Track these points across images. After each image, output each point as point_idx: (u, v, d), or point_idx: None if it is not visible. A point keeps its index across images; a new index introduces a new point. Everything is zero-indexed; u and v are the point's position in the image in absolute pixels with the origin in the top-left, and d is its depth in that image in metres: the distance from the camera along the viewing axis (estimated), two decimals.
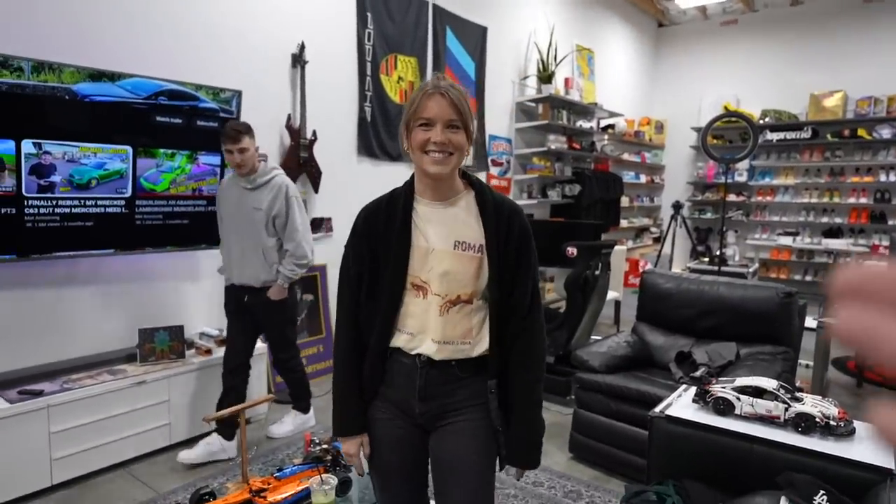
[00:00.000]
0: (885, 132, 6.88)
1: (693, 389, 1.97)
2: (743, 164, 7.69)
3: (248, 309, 2.81)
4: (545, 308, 4.75)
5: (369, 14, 4.27)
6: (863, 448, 1.59)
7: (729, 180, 7.35)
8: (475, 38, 5.31)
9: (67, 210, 2.66)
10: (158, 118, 2.88)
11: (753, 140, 4.79)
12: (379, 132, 4.40)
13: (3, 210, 2.46)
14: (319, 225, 3.87)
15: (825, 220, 7.41)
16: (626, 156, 7.55)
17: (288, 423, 3.08)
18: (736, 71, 8.01)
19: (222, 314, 3.54)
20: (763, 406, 1.76)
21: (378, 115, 4.39)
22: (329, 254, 3.95)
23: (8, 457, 2.33)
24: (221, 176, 3.24)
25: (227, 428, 2.78)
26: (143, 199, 2.91)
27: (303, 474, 1.93)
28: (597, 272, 3.79)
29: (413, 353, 1.28)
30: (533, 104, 6.05)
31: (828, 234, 7.34)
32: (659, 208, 8.85)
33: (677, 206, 6.31)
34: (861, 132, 7.00)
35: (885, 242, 6.88)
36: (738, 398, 1.79)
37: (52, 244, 2.65)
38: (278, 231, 2.75)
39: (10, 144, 2.43)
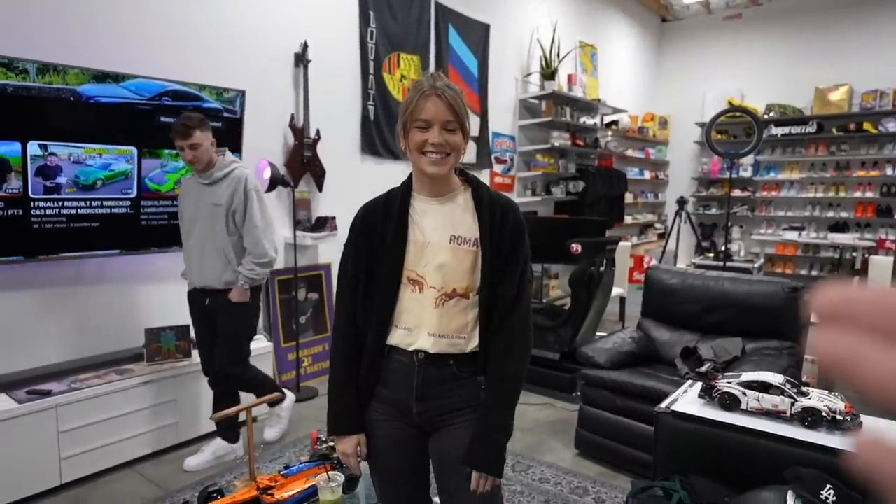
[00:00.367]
0: (892, 125, 6.84)
1: (699, 385, 1.97)
2: (748, 159, 7.66)
3: (210, 313, 2.63)
4: (550, 305, 4.76)
5: (371, 12, 4.27)
6: None
7: (734, 175, 7.32)
8: (478, 35, 5.31)
9: (73, 211, 2.67)
10: (163, 119, 2.89)
11: (758, 135, 4.77)
12: (382, 130, 4.40)
13: (10, 212, 2.48)
14: (324, 224, 3.88)
15: (831, 214, 7.38)
16: (629, 152, 7.54)
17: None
18: (740, 65, 7.97)
19: None
20: (769, 401, 1.76)
21: (381, 114, 4.40)
22: (334, 252, 3.96)
23: (18, 456, 2.35)
24: None
25: (229, 431, 2.76)
26: (148, 200, 2.92)
27: (310, 472, 1.93)
28: (601, 269, 3.78)
29: (410, 349, 1.28)
30: (536, 101, 6.04)
31: (834, 228, 7.31)
32: (663, 204, 8.83)
33: (682, 202, 6.30)
34: (867, 126, 6.97)
35: (892, 237, 6.84)
36: (744, 393, 1.79)
37: (59, 245, 2.66)
38: (238, 227, 2.57)
39: (17, 146, 2.45)
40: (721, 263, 5.14)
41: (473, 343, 1.30)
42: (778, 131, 7.47)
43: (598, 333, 3.89)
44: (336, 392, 1.36)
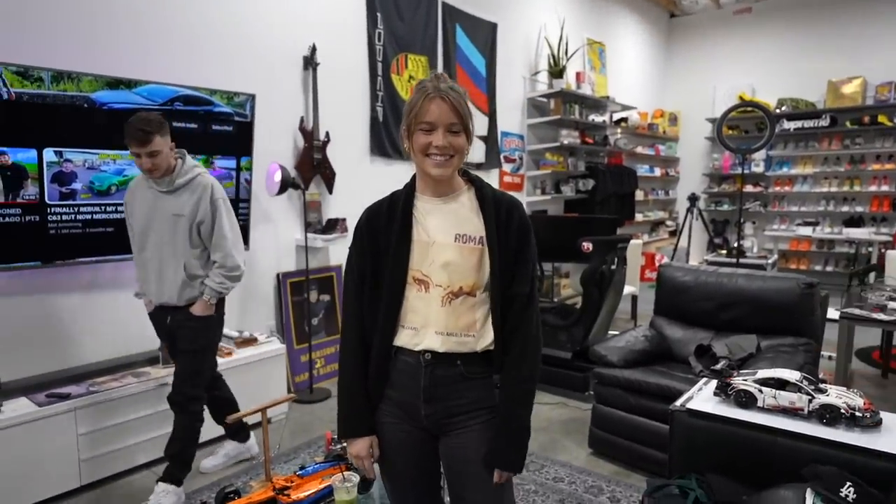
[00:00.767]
0: None
1: (714, 383, 1.95)
2: (760, 155, 7.59)
3: (172, 332, 2.42)
4: (561, 304, 4.75)
5: (379, 14, 4.28)
6: (890, 439, 1.57)
7: (746, 171, 7.26)
8: (485, 34, 5.30)
9: (89, 216, 2.71)
10: (175, 124, 2.92)
11: (770, 129, 4.72)
12: (391, 131, 4.41)
13: (27, 218, 2.51)
14: (334, 226, 3.90)
15: (845, 209, 7.30)
16: (639, 149, 7.50)
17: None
18: (751, 60, 7.90)
19: (242, 316, 3.60)
20: (786, 398, 1.74)
21: (390, 115, 4.41)
22: (345, 254, 3.96)
23: (38, 458, 2.38)
24: (237, 180, 3.27)
25: (239, 432, 2.76)
26: None
27: (325, 472, 1.95)
28: (613, 267, 3.77)
29: (417, 349, 1.28)
30: (544, 99, 6.03)
31: (849, 223, 7.22)
32: (674, 201, 8.77)
33: (693, 199, 6.26)
34: (881, 118, 6.88)
35: None
36: (761, 390, 1.77)
37: (75, 250, 2.70)
38: (204, 240, 2.35)
39: (32, 153, 2.48)
40: (734, 260, 5.10)
41: (483, 342, 1.30)
42: (790, 126, 7.40)
43: (610, 332, 3.87)
44: (345, 394, 1.36)
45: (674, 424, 1.87)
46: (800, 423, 1.68)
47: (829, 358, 3.88)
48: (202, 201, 2.30)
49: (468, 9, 5.08)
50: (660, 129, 8.04)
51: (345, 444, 2.07)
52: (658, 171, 8.08)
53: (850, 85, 7.07)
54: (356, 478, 1.67)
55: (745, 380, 1.82)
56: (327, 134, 3.91)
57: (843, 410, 1.66)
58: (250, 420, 2.67)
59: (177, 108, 2.92)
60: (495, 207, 1.31)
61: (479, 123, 5.25)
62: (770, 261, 5.71)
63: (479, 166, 5.21)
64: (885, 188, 7.00)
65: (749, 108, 6.02)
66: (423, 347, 1.28)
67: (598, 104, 6.53)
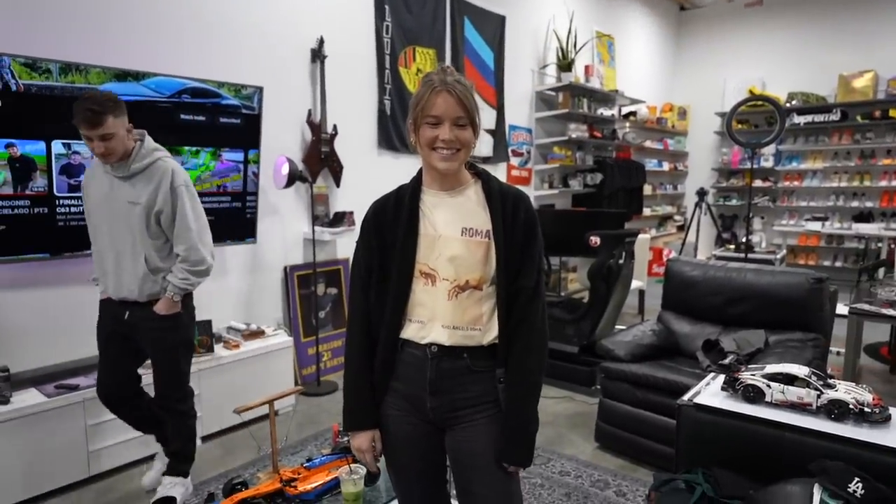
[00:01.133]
0: None
1: (721, 377, 1.94)
2: (769, 149, 7.53)
3: (129, 329, 2.23)
4: (568, 298, 4.73)
5: (387, 6, 4.26)
6: None
7: (755, 166, 7.21)
8: (493, 27, 5.28)
9: None
10: (182, 116, 2.92)
11: (780, 123, 4.68)
12: (398, 125, 4.40)
13: (36, 210, 2.53)
14: (342, 219, 3.90)
15: (855, 204, 7.23)
16: (648, 143, 7.45)
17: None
18: (761, 53, 7.83)
19: (250, 308, 3.61)
20: (794, 393, 1.73)
21: (397, 108, 4.40)
22: (352, 247, 3.97)
23: (47, 449, 2.40)
24: (245, 173, 3.28)
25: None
26: None
27: (332, 464, 1.95)
28: (620, 261, 3.75)
29: (423, 342, 1.29)
30: (553, 93, 6.00)
31: (858, 218, 7.16)
32: (683, 196, 8.72)
33: (702, 193, 6.22)
34: (893, 113, 6.80)
35: None
36: (769, 385, 1.76)
37: (83, 242, 2.70)
38: (165, 230, 2.17)
39: (41, 145, 2.50)
40: (742, 255, 5.06)
41: (489, 336, 1.30)
42: (800, 120, 7.33)
43: (617, 326, 3.86)
44: (350, 387, 1.36)
45: (681, 419, 1.86)
46: (808, 418, 1.67)
47: (838, 353, 3.85)
48: (161, 188, 2.11)
49: (477, 1, 5.05)
50: (669, 123, 7.99)
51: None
52: (666, 166, 8.03)
53: (861, 79, 6.99)
54: (363, 470, 1.68)
55: (753, 375, 1.82)
56: (335, 127, 3.90)
57: (851, 406, 1.64)
58: (258, 412, 2.68)
59: (184, 101, 2.92)
60: (502, 201, 1.30)
61: (487, 117, 5.23)
62: (778, 256, 5.68)
63: (486, 160, 5.20)
64: (895, 183, 6.92)
65: (759, 102, 5.96)
66: (429, 340, 1.28)
67: (607, 98, 6.49)
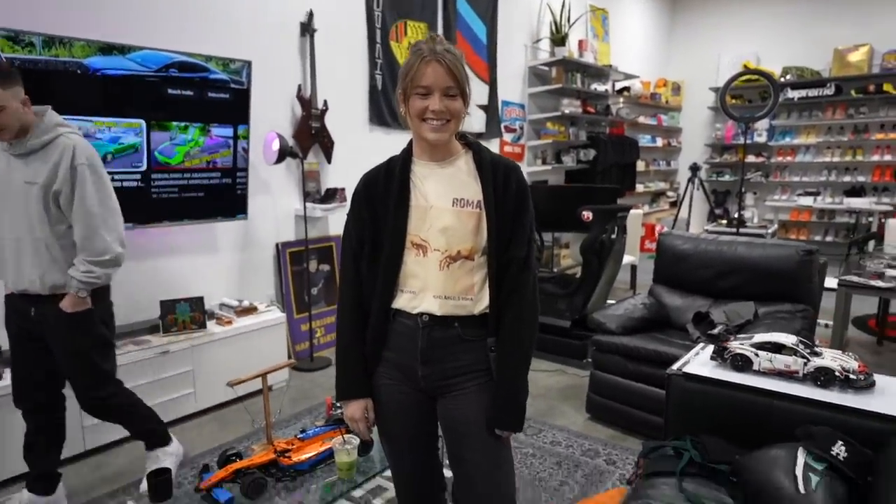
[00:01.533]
0: None
1: (710, 347, 1.97)
2: (762, 124, 7.51)
3: (35, 327, 1.98)
4: (561, 274, 4.75)
5: None
6: (883, 400, 1.58)
7: (748, 141, 7.20)
8: (486, 1, 5.20)
9: None
10: (170, 90, 2.88)
11: (774, 98, 4.66)
12: (390, 100, 4.36)
13: None
14: (333, 195, 3.88)
15: (847, 178, 7.25)
16: (641, 119, 7.42)
17: (166, 458, 2.29)
18: (756, 28, 7.76)
19: (242, 285, 3.61)
20: (782, 361, 1.75)
21: (388, 83, 4.35)
22: (343, 224, 3.96)
23: None
24: (235, 149, 3.25)
25: (41, 482, 2.13)
26: (158, 173, 2.93)
27: (325, 435, 1.97)
28: (613, 236, 3.76)
29: (415, 312, 1.29)
30: (546, 68, 5.94)
31: (850, 193, 7.19)
32: (676, 171, 8.71)
33: (695, 169, 6.21)
34: (887, 87, 6.79)
35: None
36: (757, 354, 1.79)
37: None
38: (65, 213, 1.92)
39: None
40: (734, 230, 5.09)
41: (481, 305, 1.30)
42: (794, 94, 7.31)
43: (608, 301, 3.88)
44: (342, 358, 1.37)
45: (670, 388, 1.89)
46: (795, 385, 1.70)
47: (826, 325, 3.90)
48: (60, 166, 1.87)
49: None
50: (662, 98, 7.94)
51: None
52: (660, 142, 8.01)
53: (856, 53, 6.96)
54: (356, 440, 1.70)
55: (742, 344, 1.84)
56: (325, 102, 3.86)
57: (837, 373, 1.67)
58: (251, 387, 2.70)
59: (172, 75, 2.88)
60: (493, 171, 1.30)
61: (479, 92, 5.18)
62: (770, 230, 5.70)
63: (479, 136, 5.16)
64: (888, 158, 6.94)
65: (753, 77, 5.93)
66: (421, 310, 1.29)
67: (601, 73, 6.43)
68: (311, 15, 3.74)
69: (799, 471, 1.39)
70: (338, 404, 2.19)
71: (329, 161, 3.98)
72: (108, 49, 2.63)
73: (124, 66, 2.70)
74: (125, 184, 2.82)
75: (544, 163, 6.06)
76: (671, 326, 2.98)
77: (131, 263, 3.05)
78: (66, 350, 1.99)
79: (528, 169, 5.89)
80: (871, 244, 4.42)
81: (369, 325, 1.34)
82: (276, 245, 3.79)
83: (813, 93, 7.20)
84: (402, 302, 1.31)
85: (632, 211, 4.56)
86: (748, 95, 7.79)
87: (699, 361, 1.93)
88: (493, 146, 5.44)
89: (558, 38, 5.79)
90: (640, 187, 7.49)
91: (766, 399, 1.70)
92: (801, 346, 1.75)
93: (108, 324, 2.09)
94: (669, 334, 2.85)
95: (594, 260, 3.72)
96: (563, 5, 5.85)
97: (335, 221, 4.10)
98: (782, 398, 1.67)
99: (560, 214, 4.06)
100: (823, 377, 1.68)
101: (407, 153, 1.34)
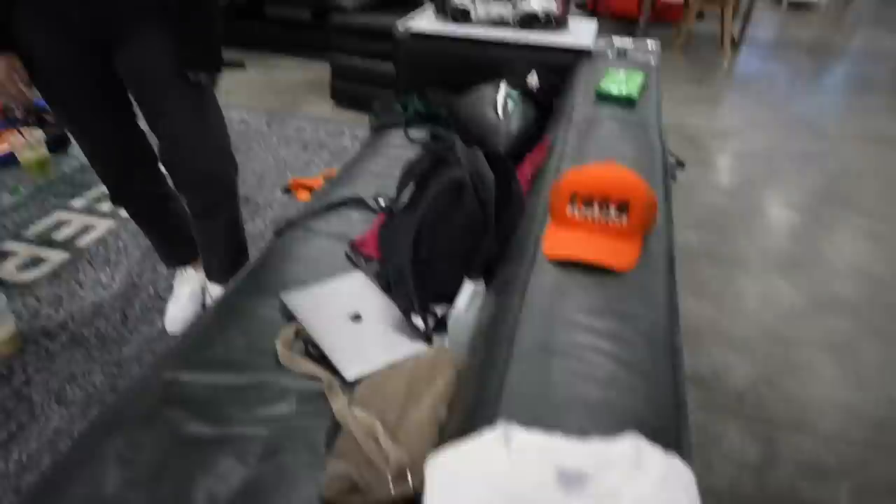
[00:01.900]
0: None
1: (434, 5, 1.95)
2: None
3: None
4: None
5: None
6: (571, 37, 1.78)
7: None
8: None
9: None
10: None
11: None
12: None
13: None
14: None
15: None
16: None
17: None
18: None
19: None
20: (495, 10, 1.82)
21: None
22: None
23: None
24: None
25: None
26: None
27: None
28: None
29: None
30: None
31: None
32: None
33: None
34: None
35: None
36: (473, 3, 1.82)
37: None
38: None
39: None
40: None
41: None
42: None
43: None
44: None
45: (397, 48, 1.89)
46: (506, 30, 1.81)
47: None
48: None
49: None
50: None
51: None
52: None
53: None
54: (39, 132, 1.43)
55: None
56: None
57: (539, 15, 1.80)
58: None
59: None
60: None
61: None
62: None
63: None
64: None
65: None
66: None
67: None
68: None
69: (500, 100, 1.55)
70: None
71: None
72: None
73: None
74: None
75: None
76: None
77: None
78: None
79: None
80: None
81: None
82: None
83: None
84: None
85: None
86: None
87: (424, 20, 1.92)
88: None
89: None
90: None
91: (481, 46, 1.79)
92: None
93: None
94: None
95: None
96: None
97: None
98: (494, 45, 1.78)
99: None
100: (529, 20, 1.80)
101: None
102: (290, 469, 0.75)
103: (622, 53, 1.67)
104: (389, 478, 0.67)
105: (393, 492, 0.66)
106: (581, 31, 1.82)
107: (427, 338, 0.95)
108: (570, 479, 0.47)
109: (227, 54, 1.28)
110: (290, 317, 0.99)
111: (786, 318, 1.72)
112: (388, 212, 1.21)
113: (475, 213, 1.00)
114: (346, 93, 2.84)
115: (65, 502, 0.71)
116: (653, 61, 1.61)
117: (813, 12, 5.35)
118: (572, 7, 2.49)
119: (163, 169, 1.30)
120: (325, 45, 3.46)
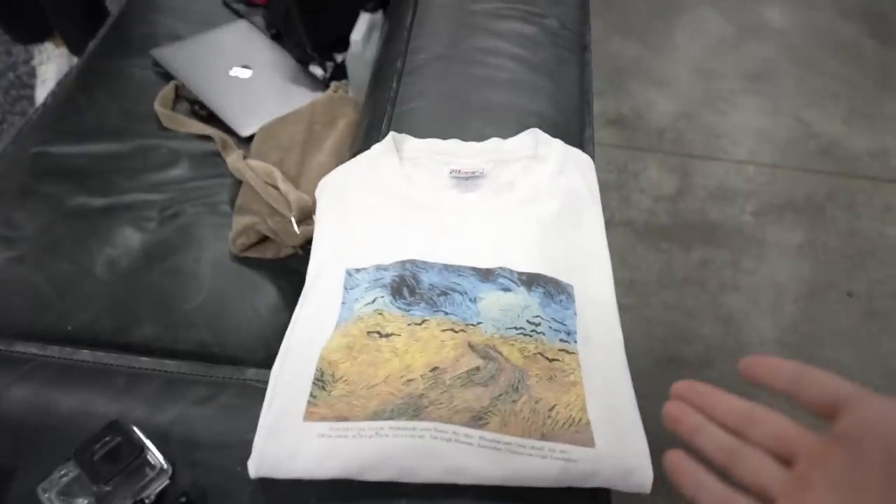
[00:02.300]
0: None
1: None
2: None
3: None
4: None
5: None
6: None
7: None
8: None
9: None
10: None
11: None
12: None
13: None
14: None
15: None
16: None
17: None
18: None
19: None
20: None
21: None
22: None
23: None
24: None
25: None
26: None
27: None
28: None
29: None
30: None
31: None
32: None
33: None
34: None
35: None
36: None
37: None
38: None
39: None
40: None
41: None
42: None
43: None
44: None
45: None
46: None
47: None
48: None
49: None
50: None
51: None
52: None
53: None
54: None
55: None
56: None
57: None
58: None
59: None
60: None
61: None
62: None
63: None
64: None
65: None
66: None
67: None
68: None
69: None
70: None
71: None
72: None
73: None
74: None
75: None
76: None
77: None
78: None
79: None
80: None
81: None
82: None
83: None
84: None
85: None
86: None
87: None
88: None
89: None
90: None
91: None
92: None
93: None
94: None
95: None
96: None
97: None
98: None
99: None
100: None
101: None
102: (193, 230, 0.71)
103: None
104: (293, 220, 0.64)
105: (298, 232, 0.63)
106: None
107: (326, 86, 0.86)
108: (466, 178, 0.44)
109: None
110: (167, 77, 0.86)
111: (713, 50, 1.68)
112: None
113: None
114: None
115: None
116: None
117: None
118: None
119: None
120: None
